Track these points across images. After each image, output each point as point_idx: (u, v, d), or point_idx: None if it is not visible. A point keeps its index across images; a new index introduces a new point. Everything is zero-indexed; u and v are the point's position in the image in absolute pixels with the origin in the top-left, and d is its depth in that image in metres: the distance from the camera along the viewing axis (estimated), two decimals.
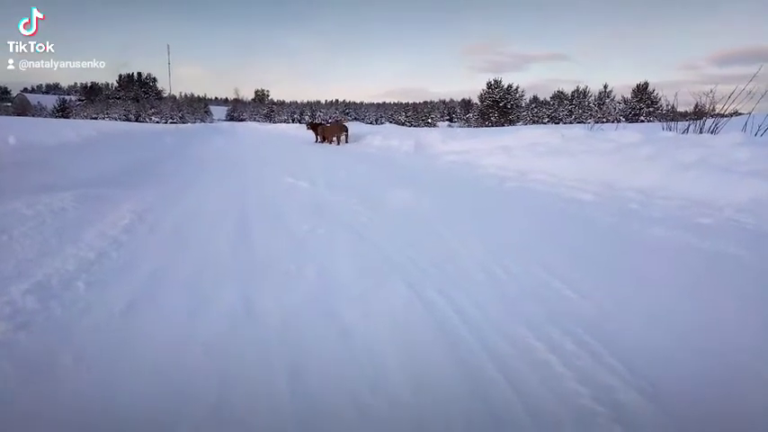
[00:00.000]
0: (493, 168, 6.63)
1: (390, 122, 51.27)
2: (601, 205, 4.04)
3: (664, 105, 10.38)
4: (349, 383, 1.44)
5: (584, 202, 4.21)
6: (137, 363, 1.52)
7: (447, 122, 55.92)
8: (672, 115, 8.95)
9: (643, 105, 36.65)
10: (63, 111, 69.63)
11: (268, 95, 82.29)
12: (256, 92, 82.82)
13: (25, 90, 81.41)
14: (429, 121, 53.45)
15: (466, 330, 1.76)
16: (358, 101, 77.66)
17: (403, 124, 47.21)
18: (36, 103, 70.70)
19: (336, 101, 79.63)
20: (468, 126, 40.47)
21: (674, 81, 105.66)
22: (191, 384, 1.42)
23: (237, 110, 78.40)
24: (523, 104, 41.07)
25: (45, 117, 61.73)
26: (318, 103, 78.66)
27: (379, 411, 1.32)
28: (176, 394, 1.37)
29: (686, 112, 9.48)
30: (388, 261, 2.56)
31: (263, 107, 73.74)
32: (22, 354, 1.54)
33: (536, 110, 41.68)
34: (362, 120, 63.02)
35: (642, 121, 32.53)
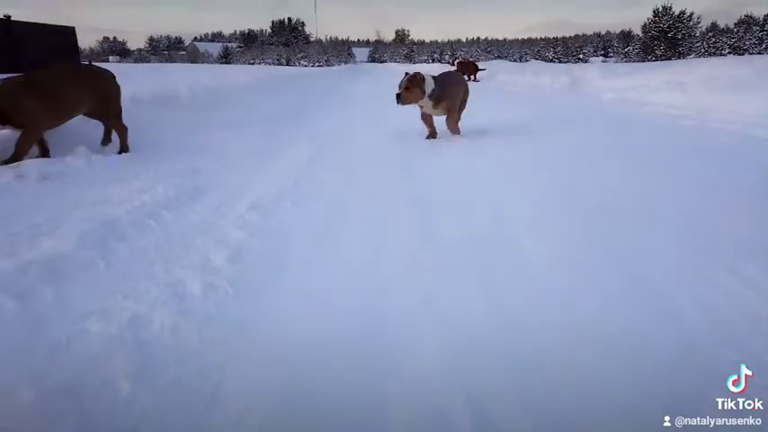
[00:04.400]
0: (662, 106, 6.01)
1: (536, 60, 47.77)
2: None
3: None
4: None
5: None
6: (341, 264, 1.81)
7: (602, 58, 50.40)
8: None
9: None
10: (226, 57, 76.20)
11: (408, 35, 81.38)
12: (397, 32, 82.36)
13: (195, 39, 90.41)
14: (581, 57, 48.73)
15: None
16: (500, 37, 73.15)
17: (551, 61, 43.77)
18: (204, 51, 78.65)
19: (477, 38, 75.96)
20: (628, 61, 36.07)
21: None
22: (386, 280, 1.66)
23: (379, 51, 78.92)
24: (698, 33, 35.19)
25: (212, 63, 68.41)
26: (459, 41, 75.71)
27: None
28: (373, 288, 1.62)
29: None
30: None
31: (403, 47, 73.34)
32: (260, 256, 1.92)
33: (713, 39, 35.50)
34: (506, 57, 59.58)
35: None
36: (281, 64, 64.06)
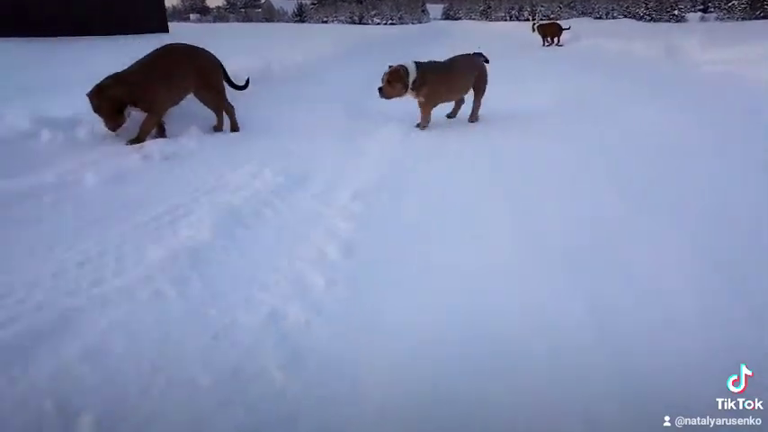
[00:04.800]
0: None
1: (626, 17, 44.18)
2: None
3: None
4: None
5: None
6: (446, 260, 1.94)
7: (700, 14, 45.76)
8: None
9: None
10: (300, 15, 76.39)
11: None
12: None
13: None
14: (675, 12, 44.52)
15: None
16: None
17: (641, 18, 40.30)
18: (279, 8, 79.34)
19: None
20: (731, 18, 32.58)
21: None
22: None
23: (453, 7, 76.03)
24: None
25: (287, 21, 68.94)
26: None
27: None
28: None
29: None
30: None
31: (479, 3, 70.22)
32: (370, 250, 2.09)
33: None
34: (590, 14, 55.51)
35: None
36: (353, 22, 63.48)
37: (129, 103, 3.43)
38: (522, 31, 16.95)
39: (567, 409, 1.28)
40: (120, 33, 18.82)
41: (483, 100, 4.45)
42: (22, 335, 1.47)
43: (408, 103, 4.49)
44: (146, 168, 3.03)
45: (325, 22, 64.86)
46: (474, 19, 62.97)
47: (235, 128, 4.00)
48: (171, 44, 3.82)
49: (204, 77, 3.81)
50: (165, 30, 23.33)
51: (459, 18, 69.26)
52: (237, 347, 1.46)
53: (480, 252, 2.05)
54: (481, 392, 1.31)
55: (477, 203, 2.58)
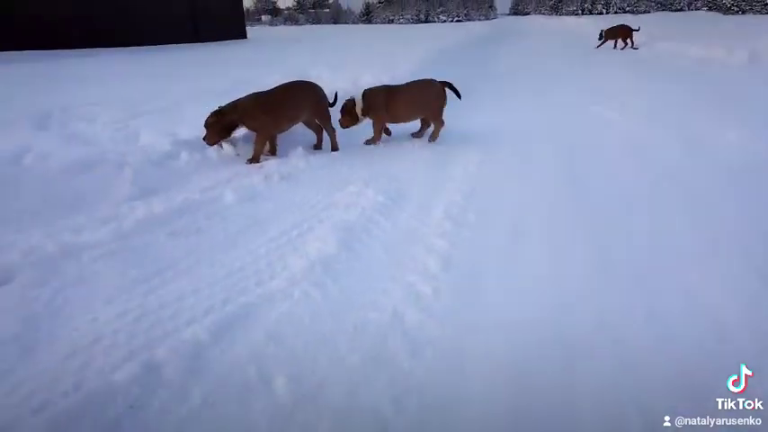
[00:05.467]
0: None
1: (710, 9, 41.53)
2: None
3: None
4: None
5: None
6: (529, 278, 2.38)
7: None
8: None
9: None
10: (367, 14, 76.92)
11: None
12: None
13: None
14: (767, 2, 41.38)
15: None
16: None
17: (728, 9, 37.73)
18: (346, 8, 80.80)
19: None
20: None
21: None
22: None
23: (522, 2, 74.31)
24: None
25: (354, 22, 69.92)
26: None
27: None
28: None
29: None
30: None
31: None
32: (463, 264, 2.56)
33: None
34: (669, 6, 52.56)
35: None
36: (419, 20, 63.60)
37: (240, 124, 4.15)
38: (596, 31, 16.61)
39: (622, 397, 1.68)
40: (205, 41, 20.26)
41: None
42: (218, 322, 2.07)
43: (487, 121, 4.90)
44: (269, 187, 3.66)
45: (392, 21, 65.39)
46: (543, 14, 61.23)
47: (335, 147, 4.60)
48: (293, 82, 4.46)
49: (318, 110, 4.49)
50: (244, 36, 24.75)
51: (528, 13, 67.61)
52: (372, 338, 1.99)
53: (556, 263, 2.48)
54: (557, 378, 1.75)
55: (554, 221, 2.98)
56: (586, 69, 10.13)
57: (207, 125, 4.09)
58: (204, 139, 4.13)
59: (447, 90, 4.71)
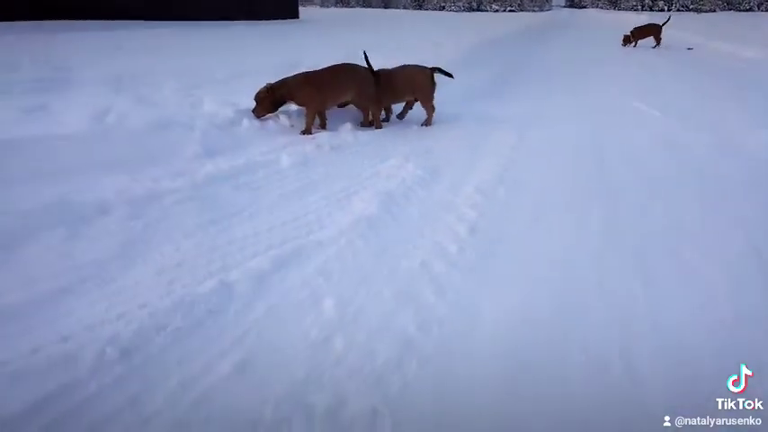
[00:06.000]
0: None
1: (761, 8, 39.31)
2: None
3: None
4: None
5: None
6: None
7: None
8: None
9: None
10: (419, 0, 76.20)
11: None
12: None
13: None
14: None
15: None
16: None
17: None
18: None
19: None
20: None
21: None
22: None
23: None
24: None
25: (405, 7, 69.57)
26: None
27: None
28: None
29: None
30: None
31: None
32: (489, 230, 2.90)
33: None
34: (738, 5, 50.04)
35: None
36: (471, 9, 62.70)
37: (289, 100, 4.58)
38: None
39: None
40: (260, 19, 20.84)
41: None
42: (278, 257, 2.49)
43: (522, 108, 5.16)
44: (320, 155, 4.08)
45: (443, 8, 64.67)
46: (601, 8, 59.18)
47: (378, 126, 4.97)
48: (339, 64, 4.85)
49: (362, 90, 4.84)
50: (296, 16, 25.23)
51: (585, 6, 65.47)
52: (404, 279, 2.37)
53: (569, 238, 2.79)
54: (551, 342, 2.09)
55: (575, 200, 3.28)
56: (633, 68, 10.10)
57: (258, 99, 4.54)
58: (253, 111, 4.57)
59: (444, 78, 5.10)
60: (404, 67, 5.10)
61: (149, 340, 1.89)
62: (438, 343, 1.97)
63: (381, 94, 4.90)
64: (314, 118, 4.65)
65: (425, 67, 5.03)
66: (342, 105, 5.06)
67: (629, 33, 13.37)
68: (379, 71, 4.95)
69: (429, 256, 2.56)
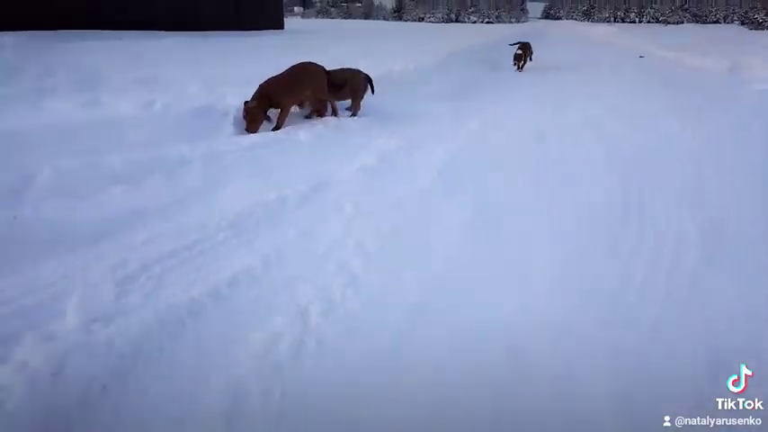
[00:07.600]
0: None
1: (743, 23, 41.74)
2: None
3: None
4: None
5: None
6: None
7: None
8: None
9: None
10: (399, 11, 77.63)
11: None
12: None
13: None
14: None
15: None
16: None
17: (759, 26, 38.00)
18: (378, 3, 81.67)
19: None
20: None
21: None
22: None
23: (555, 6, 74.59)
24: None
25: (384, 18, 70.88)
26: None
27: None
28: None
29: None
30: None
31: (582, 2, 68.77)
32: (451, 177, 4.22)
33: None
34: (704, 18, 52.66)
35: None
36: (449, 20, 64.54)
37: (274, 106, 5.37)
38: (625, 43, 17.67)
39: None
40: (246, 29, 21.91)
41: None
42: (311, 186, 3.75)
43: (487, 104, 6.51)
44: (328, 132, 5.38)
45: (422, 19, 66.40)
46: (576, 19, 61.39)
47: (355, 114, 6.20)
48: (299, 64, 5.75)
49: (315, 90, 5.77)
50: (281, 26, 26.36)
51: (560, 18, 67.80)
52: (397, 196, 3.66)
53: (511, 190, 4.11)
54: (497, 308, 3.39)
55: (514, 160, 4.62)
56: (589, 71, 11.62)
57: (251, 116, 5.08)
58: (247, 129, 5.06)
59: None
60: (343, 69, 6.16)
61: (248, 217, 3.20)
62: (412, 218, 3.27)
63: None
64: (286, 115, 5.48)
65: (362, 72, 6.26)
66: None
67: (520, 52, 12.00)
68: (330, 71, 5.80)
69: (411, 187, 3.88)
